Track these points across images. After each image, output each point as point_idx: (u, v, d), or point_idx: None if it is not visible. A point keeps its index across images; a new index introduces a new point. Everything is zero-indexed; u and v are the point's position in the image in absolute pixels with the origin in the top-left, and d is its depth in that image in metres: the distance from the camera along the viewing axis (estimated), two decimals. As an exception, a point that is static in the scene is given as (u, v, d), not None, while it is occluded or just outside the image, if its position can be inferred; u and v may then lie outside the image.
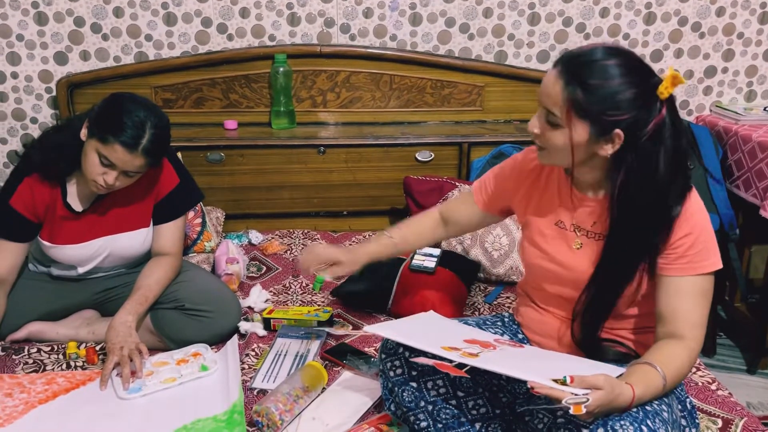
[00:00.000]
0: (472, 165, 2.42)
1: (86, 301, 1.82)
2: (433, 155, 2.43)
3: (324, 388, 1.51)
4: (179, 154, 2.09)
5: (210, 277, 1.87)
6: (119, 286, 1.82)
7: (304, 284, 2.08)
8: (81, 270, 1.75)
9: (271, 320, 1.80)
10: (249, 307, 1.89)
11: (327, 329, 1.76)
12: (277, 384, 1.53)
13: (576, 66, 1.16)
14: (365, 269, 1.97)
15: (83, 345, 1.71)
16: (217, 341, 1.73)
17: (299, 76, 2.50)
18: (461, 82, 2.56)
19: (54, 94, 2.47)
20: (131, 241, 1.76)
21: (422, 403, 1.30)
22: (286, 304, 1.95)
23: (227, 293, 1.81)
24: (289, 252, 2.30)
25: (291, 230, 2.45)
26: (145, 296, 1.69)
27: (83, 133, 1.57)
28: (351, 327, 1.81)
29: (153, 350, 1.68)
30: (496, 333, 1.42)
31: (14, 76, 2.47)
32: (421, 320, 1.39)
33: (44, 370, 1.61)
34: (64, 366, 1.63)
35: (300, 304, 1.95)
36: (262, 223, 2.47)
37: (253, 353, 1.68)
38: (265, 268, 2.19)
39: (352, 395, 1.48)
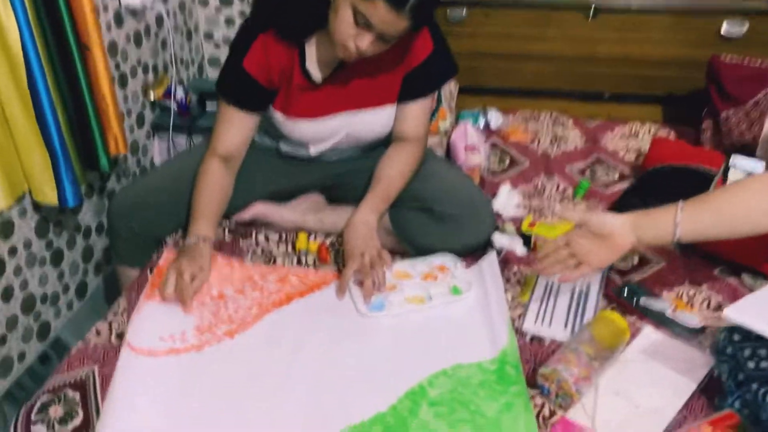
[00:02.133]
0: (805, 45, 1.77)
1: (314, 184, 1.57)
2: (746, 26, 1.79)
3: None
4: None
5: (459, 174, 1.52)
6: (351, 171, 1.54)
7: (561, 187, 1.67)
8: (313, 150, 1.48)
9: (532, 237, 1.43)
10: (496, 213, 1.53)
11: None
12: (555, 331, 1.20)
13: None
14: (655, 179, 1.52)
15: (313, 237, 1.48)
16: (465, 253, 1.41)
17: None
18: None
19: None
20: (374, 120, 1.44)
21: (800, 415, 0.90)
22: (542, 214, 1.57)
23: (481, 196, 1.46)
24: (536, 142, 1.88)
25: (536, 112, 2.00)
26: (387, 191, 1.39)
27: None
28: (637, 259, 1.40)
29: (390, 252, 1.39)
30: None
31: None
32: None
33: (274, 262, 1.40)
34: (294, 261, 1.41)
35: (561, 216, 1.55)
36: (501, 101, 2.03)
37: (514, 279, 1.35)
38: (508, 161, 1.80)
39: (664, 367, 1.09)
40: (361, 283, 1.30)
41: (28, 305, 1.61)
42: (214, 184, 1.39)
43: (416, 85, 1.41)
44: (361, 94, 1.39)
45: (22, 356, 1.61)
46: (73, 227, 1.77)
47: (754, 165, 1.43)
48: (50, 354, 1.70)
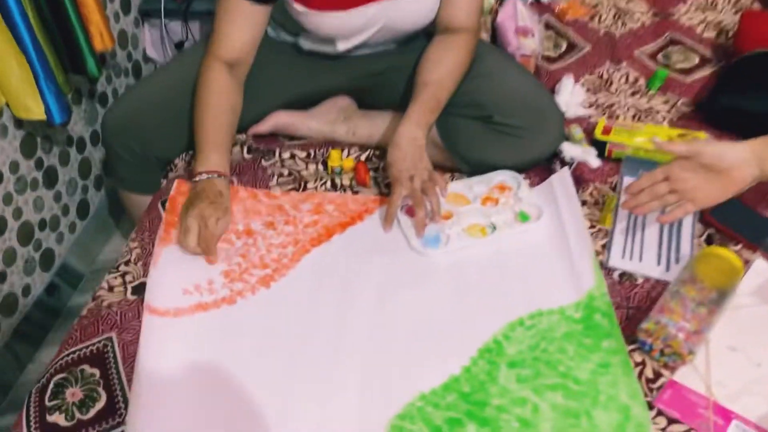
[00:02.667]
0: None
1: (342, 86, 1.32)
2: None
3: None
4: None
5: (522, 73, 1.26)
6: (387, 69, 1.28)
7: (631, 77, 1.42)
8: (341, 46, 1.21)
9: (607, 144, 1.21)
10: (559, 114, 1.29)
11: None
12: (647, 265, 1.01)
13: None
14: (750, 68, 1.28)
15: (346, 152, 1.26)
16: (529, 167, 1.21)
17: None
18: None
19: None
20: (416, 8, 1.16)
21: None
22: (614, 113, 1.33)
23: (548, 100, 1.22)
24: (597, 20, 1.59)
25: (592, -19, 1.69)
26: (436, 98, 1.14)
27: None
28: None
29: (438, 168, 1.18)
30: None
31: None
32: None
33: (305, 188, 1.20)
34: (328, 184, 1.20)
35: (634, 114, 1.32)
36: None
37: (591, 200, 1.14)
38: (565, 45, 1.53)
39: (784, 314, 0.93)
40: (411, 213, 1.10)
41: (25, 235, 1.43)
42: (221, 101, 1.14)
43: None
44: None
45: (26, 290, 1.46)
46: (64, 141, 1.54)
47: None
48: (58, 283, 1.55)
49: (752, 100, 1.21)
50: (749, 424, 0.80)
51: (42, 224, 1.49)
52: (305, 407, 0.85)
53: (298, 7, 1.13)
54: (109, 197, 1.74)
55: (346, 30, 1.17)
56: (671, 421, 0.82)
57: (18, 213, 1.40)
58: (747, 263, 0.99)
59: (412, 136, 1.11)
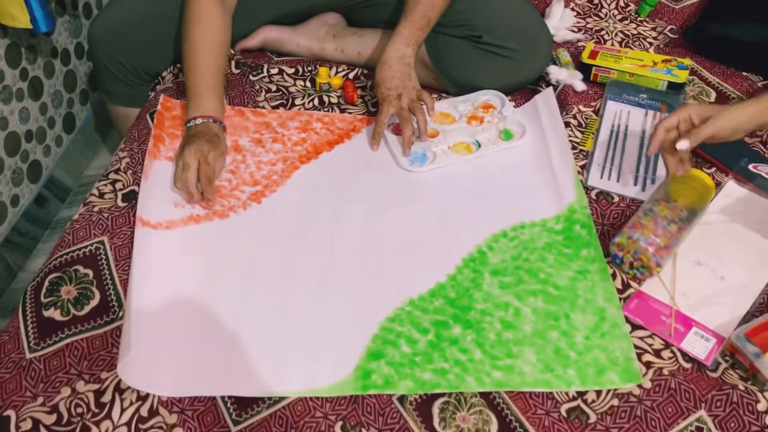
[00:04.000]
0: None
1: (331, 3, 1.31)
2: None
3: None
4: None
5: (514, -4, 1.26)
6: (378, -15, 1.27)
7: (621, 3, 1.41)
8: None
9: (593, 68, 1.22)
10: (547, 37, 1.30)
11: (682, 97, 1.17)
12: (625, 186, 1.05)
13: None
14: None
15: (334, 70, 1.26)
16: (515, 90, 1.22)
17: None
18: None
19: None
20: None
21: None
22: (602, 37, 1.34)
23: (539, 23, 1.23)
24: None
25: None
26: (426, 16, 1.14)
27: None
28: (716, 96, 1.21)
29: (426, 88, 1.19)
30: None
31: None
32: None
33: (293, 105, 1.20)
34: (315, 101, 1.21)
35: (622, 40, 1.33)
36: None
37: (574, 122, 1.17)
38: (557, -33, 1.51)
39: (748, 232, 0.97)
40: (398, 131, 1.12)
41: (12, 145, 1.43)
42: (213, 42, 1.10)
43: None
44: None
45: (15, 200, 1.47)
46: (48, 52, 1.52)
47: None
48: (46, 195, 1.56)
49: (739, 29, 1.22)
50: (708, 331, 0.86)
51: (29, 136, 1.48)
52: (302, 315, 0.89)
53: None
54: (95, 112, 1.73)
55: None
56: (635, 327, 0.87)
57: (4, 123, 1.39)
58: (719, 185, 1.03)
59: (401, 54, 1.11)
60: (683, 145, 0.91)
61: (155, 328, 0.86)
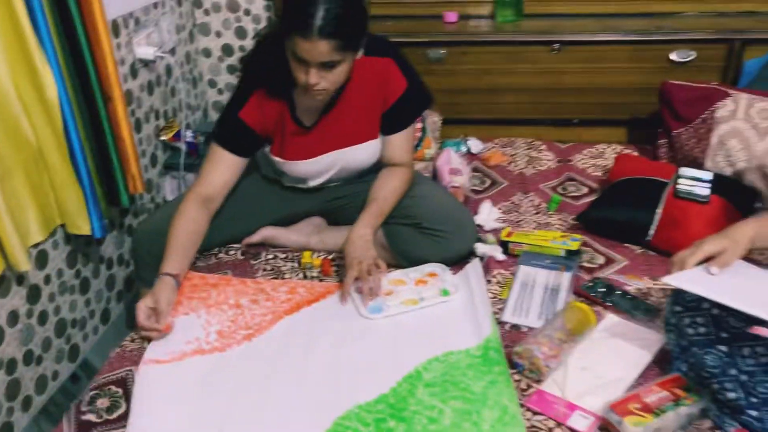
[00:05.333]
0: (744, 68, 1.98)
1: (315, 210, 1.76)
2: (694, 54, 2.02)
3: (585, 331, 1.33)
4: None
5: (445, 194, 1.72)
6: (348, 195, 1.72)
7: (536, 202, 1.87)
8: (311, 183, 1.67)
9: (510, 244, 1.62)
10: (478, 226, 1.72)
11: (577, 261, 1.55)
12: (530, 320, 1.37)
13: None
14: (617, 191, 1.72)
15: (317, 255, 1.66)
16: (453, 263, 1.60)
17: (530, -43, 2.16)
18: (731, -38, 2.08)
19: (268, -10, 2.36)
20: (361, 154, 1.63)
21: (733, 371, 1.07)
22: (520, 225, 1.76)
23: (464, 213, 1.65)
24: (512, 164, 2.08)
25: (512, 139, 2.22)
26: (380, 209, 1.57)
27: None
28: (603, 260, 1.59)
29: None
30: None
31: (229, -35, 2.39)
32: (732, 268, 1.12)
33: (283, 277, 1.58)
34: (300, 275, 1.59)
35: (535, 227, 1.74)
36: (480, 130, 2.25)
37: (495, 280, 1.53)
38: (489, 182, 2.00)
39: (624, 345, 1.28)
40: (361, 290, 1.48)
41: (60, 329, 1.78)
42: (187, 227, 1.51)
43: (396, 120, 1.61)
44: (347, 133, 1.59)
45: (55, 375, 1.77)
46: (97, 259, 1.95)
47: (700, 174, 1.62)
48: (79, 374, 1.86)
49: (615, 212, 1.65)
50: (588, 413, 1.12)
51: (73, 323, 1.84)
52: (277, 417, 1.17)
53: (276, 158, 1.60)
54: (127, 309, 2.10)
55: (313, 172, 1.64)
56: (536, 413, 1.14)
57: (57, 310, 1.77)
58: (603, 316, 1.36)
59: (361, 234, 1.52)
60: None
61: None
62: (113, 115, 1.82)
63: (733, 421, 1.08)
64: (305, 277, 1.59)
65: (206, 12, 2.49)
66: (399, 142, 1.64)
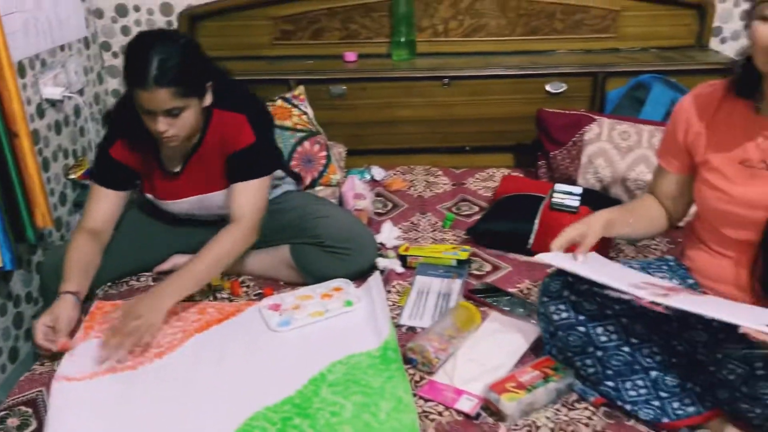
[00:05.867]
0: (608, 96, 2.26)
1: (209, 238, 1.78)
2: (565, 86, 2.28)
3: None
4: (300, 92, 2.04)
5: (347, 215, 1.85)
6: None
7: (433, 221, 2.03)
8: (185, 215, 1.76)
9: (408, 257, 1.76)
10: (381, 244, 1.86)
11: (466, 269, 1.71)
12: (424, 322, 1.51)
13: None
14: (501, 206, 1.90)
15: (226, 277, 1.74)
16: (356, 277, 1.72)
17: (420, 3, 2.38)
18: (594, 6, 2.37)
19: (175, 26, 2.46)
20: (220, 200, 1.70)
21: (590, 349, 1.24)
22: (418, 241, 1.91)
23: (365, 231, 1.79)
24: (412, 188, 2.25)
25: (411, 166, 2.39)
26: (196, 278, 1.56)
27: None
28: (490, 267, 1.76)
29: (294, 285, 1.69)
30: (663, 278, 1.32)
31: (136, 9, 2.48)
32: (590, 258, 1.30)
33: (193, 300, 1.65)
34: (211, 298, 1.67)
35: (432, 242, 1.90)
36: (382, 160, 2.41)
37: (395, 290, 1.66)
38: (391, 205, 2.16)
39: (505, 337, 1.43)
40: (273, 307, 1.57)
41: (-35, 368, 1.76)
42: (80, 257, 1.59)
43: (237, 169, 1.62)
44: (207, 180, 1.67)
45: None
46: (5, 295, 1.94)
47: (571, 189, 1.83)
48: (-14, 415, 1.83)
49: (498, 225, 1.83)
50: (473, 395, 1.26)
51: (-21, 361, 1.82)
52: (191, 421, 1.25)
53: (150, 197, 1.71)
54: (35, 348, 2.08)
55: (182, 211, 1.74)
56: (428, 401, 1.26)
57: (-38, 348, 1.75)
58: (488, 315, 1.51)
59: (163, 301, 1.47)
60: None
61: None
62: (19, 150, 1.85)
63: (593, 392, 1.25)
64: (215, 298, 1.67)
65: (115, 54, 2.56)
66: (240, 193, 1.61)
